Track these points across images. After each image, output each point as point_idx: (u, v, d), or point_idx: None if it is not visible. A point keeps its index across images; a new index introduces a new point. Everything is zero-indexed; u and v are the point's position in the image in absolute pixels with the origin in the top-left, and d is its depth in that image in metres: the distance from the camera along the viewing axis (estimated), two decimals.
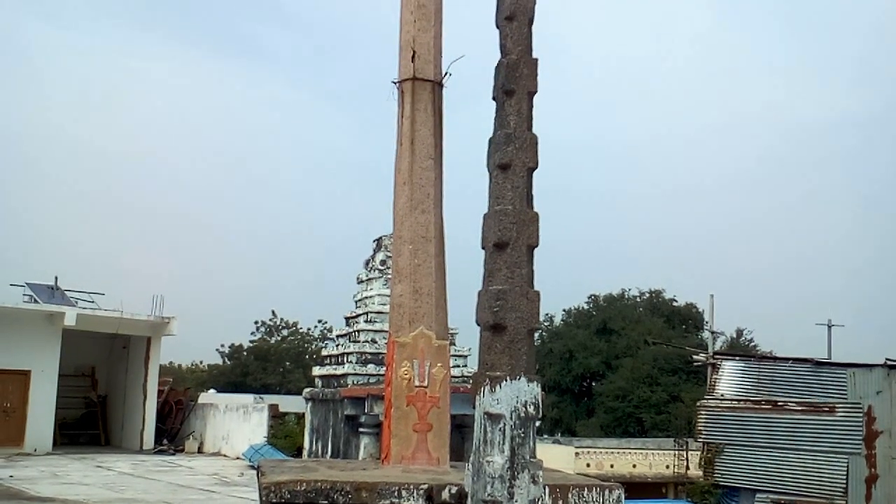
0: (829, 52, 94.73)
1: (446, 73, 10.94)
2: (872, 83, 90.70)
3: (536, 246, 8.42)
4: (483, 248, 8.52)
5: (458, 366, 21.89)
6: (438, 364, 9.99)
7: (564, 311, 57.73)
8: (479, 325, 8.35)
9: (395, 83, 11.00)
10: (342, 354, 22.93)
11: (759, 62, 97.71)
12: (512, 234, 8.03)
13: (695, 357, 29.03)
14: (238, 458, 27.15)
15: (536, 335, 9.20)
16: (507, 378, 7.76)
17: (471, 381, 9.19)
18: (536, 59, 8.81)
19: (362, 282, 23.81)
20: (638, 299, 56.68)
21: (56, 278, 31.92)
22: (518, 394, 7.44)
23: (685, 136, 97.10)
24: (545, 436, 42.19)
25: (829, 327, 36.77)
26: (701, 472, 25.81)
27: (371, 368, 21.87)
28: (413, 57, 10.81)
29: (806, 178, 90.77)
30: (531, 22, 8.99)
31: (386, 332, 12.39)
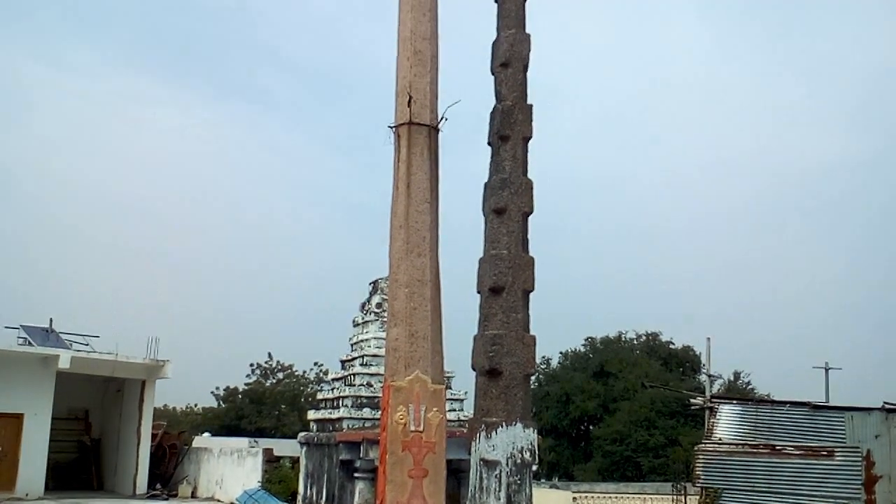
0: (824, 97, 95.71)
1: (442, 118, 11.02)
2: (866, 128, 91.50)
3: (532, 290, 8.41)
4: (479, 292, 8.52)
5: (454, 410, 21.76)
6: (434, 409, 9.92)
7: (561, 353, 57.53)
8: (474, 370, 8.31)
9: (391, 128, 11.07)
10: (337, 398, 22.78)
11: (753, 106, 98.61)
12: (507, 279, 8.04)
13: (692, 401, 28.88)
14: None
15: (533, 378, 9.17)
16: (503, 424, 7.71)
17: (467, 427, 9.12)
18: (531, 105, 8.89)
19: (358, 325, 23.75)
20: (635, 342, 56.55)
21: (51, 320, 31.79)
22: (514, 440, 7.39)
23: (681, 177, 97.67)
24: (542, 480, 41.81)
25: (827, 370, 36.64)
26: None
27: (366, 412, 21.72)
28: (409, 102, 10.89)
29: (800, 219, 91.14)
30: (526, 68, 9.09)
31: (381, 375, 12.33)
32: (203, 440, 37.19)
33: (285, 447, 31.03)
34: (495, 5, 9.76)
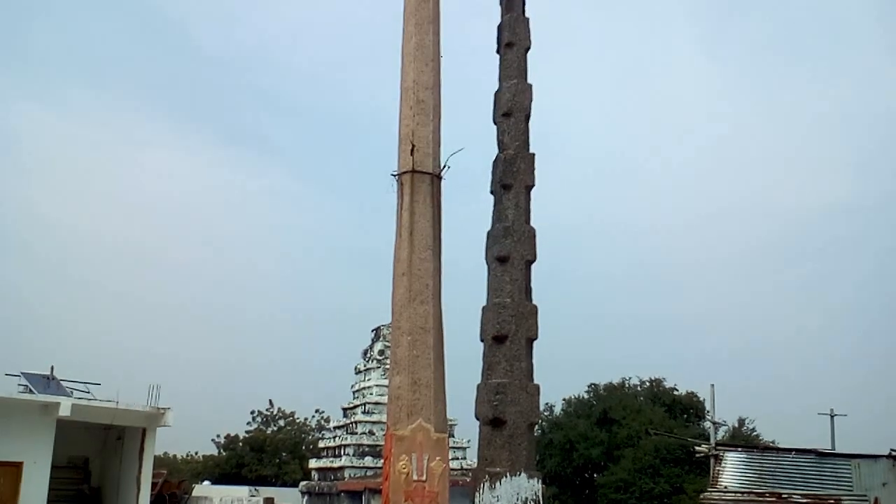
0: (827, 142, 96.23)
1: (445, 166, 11.09)
2: (869, 173, 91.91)
3: (536, 339, 8.39)
4: (482, 340, 8.49)
5: (457, 458, 21.59)
6: (437, 458, 9.83)
7: (564, 400, 57.10)
8: (478, 419, 8.25)
9: (394, 175, 11.14)
10: (339, 447, 22.62)
11: (756, 150, 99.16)
12: (511, 327, 8.02)
13: (697, 448, 28.61)
14: None
15: (535, 426, 9.10)
16: (507, 474, 7.64)
17: (470, 476, 9.05)
18: (533, 154, 8.95)
19: (360, 372, 23.66)
20: (638, 388, 56.19)
21: (52, 368, 31.65)
22: (518, 491, 7.31)
23: (685, 222, 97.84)
24: None
25: (832, 417, 36.32)
26: None
27: (368, 461, 21.55)
28: (412, 150, 10.96)
29: (803, 263, 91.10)
30: (528, 118, 9.17)
31: (384, 423, 12.24)
32: (203, 488, 36.81)
33: (287, 496, 30.69)
34: (497, 56, 9.89)
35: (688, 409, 52.49)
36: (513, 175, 8.77)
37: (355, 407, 22.86)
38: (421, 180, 10.89)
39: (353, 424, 22.51)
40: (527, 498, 7.08)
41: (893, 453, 22.38)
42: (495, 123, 9.33)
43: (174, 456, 58.40)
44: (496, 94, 9.49)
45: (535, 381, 8.24)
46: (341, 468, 21.69)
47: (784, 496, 23.46)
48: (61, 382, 31.30)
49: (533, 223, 8.89)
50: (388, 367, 14.88)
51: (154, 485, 31.74)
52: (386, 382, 18.60)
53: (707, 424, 33.85)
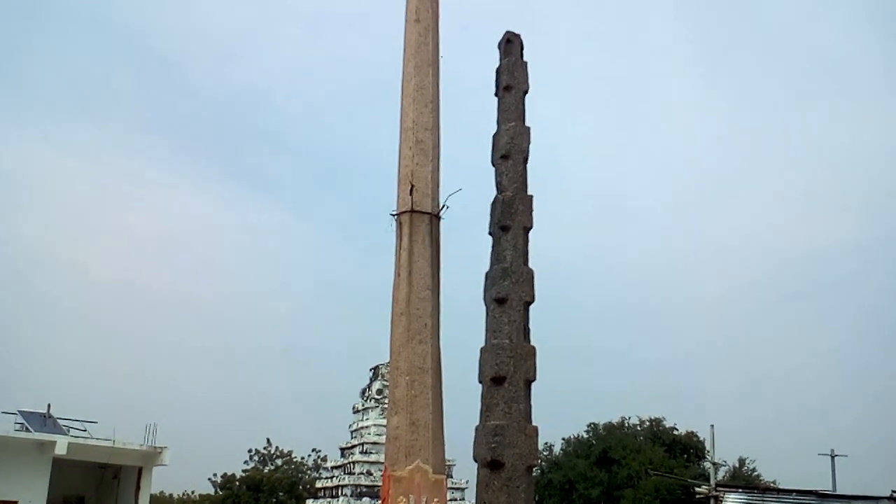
0: (824, 182, 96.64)
1: (444, 206, 11.16)
2: (864, 213, 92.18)
3: (534, 380, 8.37)
4: (480, 381, 8.47)
5: (455, 499, 21.42)
6: (435, 499, 9.78)
7: (564, 440, 56.70)
8: (476, 461, 8.22)
9: (393, 215, 11.20)
10: (337, 487, 22.46)
11: (753, 190, 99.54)
12: (509, 369, 8.01)
13: (697, 489, 28.40)
14: None
15: (535, 468, 9.06)
16: None
17: None
18: (531, 196, 9.02)
19: (358, 411, 23.56)
20: (638, 427, 55.85)
21: (49, 406, 31.47)
22: None
23: (681, 260, 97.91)
24: None
25: (833, 457, 36.10)
26: None
27: (366, 502, 21.38)
28: (411, 190, 11.04)
29: (799, 301, 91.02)
30: (526, 160, 9.25)
31: (382, 463, 12.19)
32: None
33: None
34: (496, 99, 10.00)
35: (688, 449, 52.14)
36: (511, 217, 8.81)
37: (353, 447, 22.73)
38: (420, 220, 10.95)
39: (351, 465, 22.37)
40: None
41: (894, 495, 22.22)
42: (493, 165, 9.40)
43: (171, 495, 57.88)
44: (494, 136, 9.58)
45: (534, 423, 8.22)
46: None
47: None
48: (58, 421, 31.10)
49: (531, 264, 8.92)
50: (386, 406, 14.84)
51: None
52: (384, 422, 18.52)
53: (707, 465, 33.64)
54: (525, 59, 10.09)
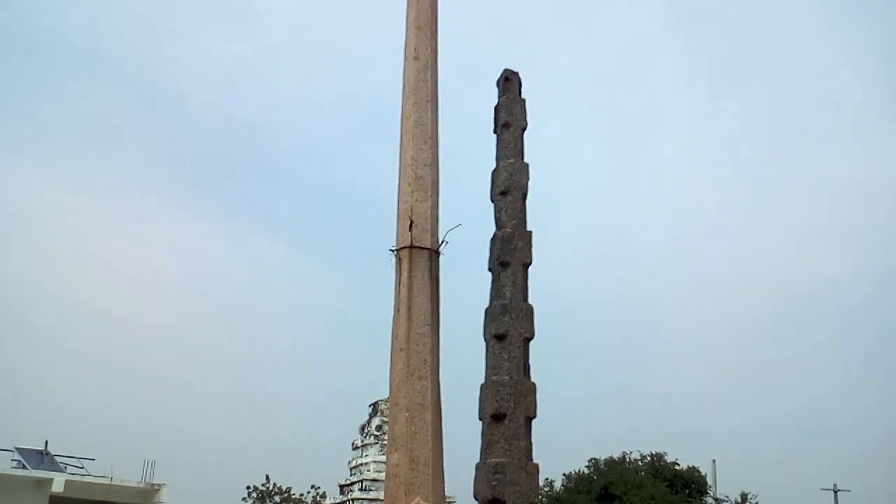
0: (825, 216, 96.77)
1: (443, 242, 11.19)
2: (866, 246, 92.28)
3: (534, 417, 8.35)
4: (480, 418, 8.45)
5: None
6: None
7: (564, 475, 56.26)
8: (476, 499, 8.17)
9: (392, 251, 11.22)
10: None
11: (752, 225, 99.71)
12: (509, 405, 7.99)
13: None
14: None
15: None
16: None
17: None
18: (530, 232, 9.05)
19: (357, 448, 23.45)
20: (640, 462, 55.45)
21: (46, 443, 31.29)
22: None
23: (683, 294, 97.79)
24: None
25: (836, 492, 35.87)
26: None
27: None
28: (411, 226, 11.08)
29: (801, 336, 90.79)
30: (524, 197, 9.30)
31: (381, 501, 12.10)
32: None
33: None
34: (494, 136, 10.06)
35: (690, 485, 51.72)
36: (510, 253, 8.83)
37: (352, 484, 22.59)
38: (419, 256, 10.98)
39: (350, 501, 22.22)
40: None
41: None
42: (493, 202, 9.44)
43: None
44: (493, 173, 9.63)
45: (535, 460, 8.18)
46: None
47: None
48: (55, 458, 30.89)
49: (531, 300, 8.92)
50: (385, 443, 14.77)
51: None
52: (383, 458, 18.38)
53: (710, 500, 33.39)
54: (523, 96, 10.17)
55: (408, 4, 12.45)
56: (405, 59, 12.18)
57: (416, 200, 11.25)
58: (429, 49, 12.14)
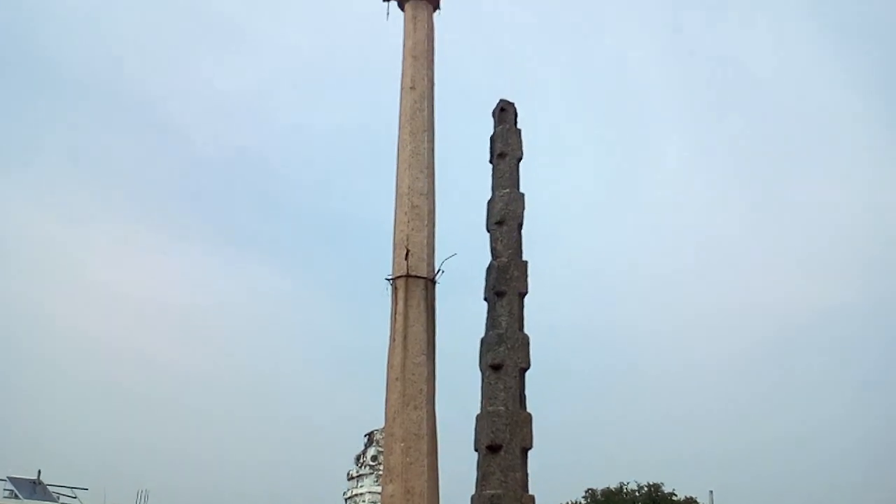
0: (824, 244, 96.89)
1: (439, 271, 11.19)
2: (866, 274, 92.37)
3: (530, 448, 8.29)
4: (476, 449, 8.39)
5: None
6: None
7: None
8: None
9: (388, 280, 11.22)
10: None
11: (748, 253, 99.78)
12: (505, 436, 7.94)
13: None
14: None
15: None
16: None
17: None
18: (526, 262, 9.06)
19: (353, 478, 23.27)
20: (637, 493, 55.09)
21: (39, 472, 31.09)
22: None
23: (680, 324, 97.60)
24: None
25: None
26: None
27: None
28: (407, 255, 11.09)
29: (798, 365, 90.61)
30: (520, 226, 9.31)
31: None
32: None
33: None
34: (490, 165, 10.09)
35: None
36: (506, 282, 8.84)
37: None
38: (415, 285, 10.98)
39: None
40: None
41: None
42: (488, 231, 9.45)
43: None
44: (489, 202, 9.66)
45: (531, 492, 8.12)
46: None
47: None
48: (48, 487, 30.69)
49: (527, 329, 8.90)
50: (381, 473, 14.68)
51: None
52: (379, 489, 18.25)
53: None
54: (519, 126, 10.22)
55: (405, 35, 12.55)
56: (402, 89, 12.25)
57: (413, 230, 11.27)
58: (425, 79, 12.22)
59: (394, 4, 13.03)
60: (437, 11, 12.84)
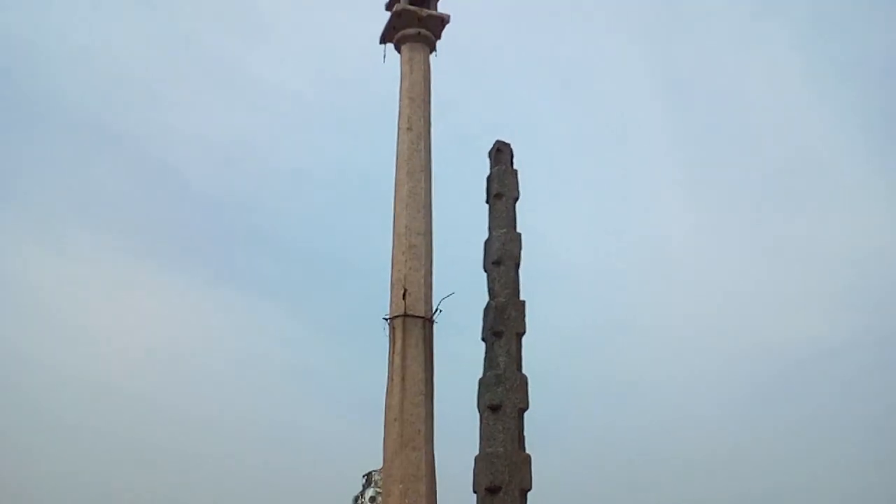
0: (825, 281, 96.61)
1: (437, 310, 11.20)
2: (864, 311, 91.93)
3: (529, 490, 8.24)
4: (475, 491, 8.34)
5: None
6: None
7: None
8: None
9: (386, 319, 11.22)
10: None
11: (747, 295, 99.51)
12: (504, 478, 7.89)
13: None
14: None
15: None
16: None
17: None
18: (524, 302, 9.08)
19: None
20: None
21: None
22: None
23: (678, 370, 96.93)
24: None
25: None
26: None
27: None
28: (404, 294, 11.11)
29: (806, 403, 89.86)
30: (518, 266, 9.35)
31: None
32: None
33: None
34: (487, 206, 10.13)
35: None
36: (504, 322, 8.84)
37: None
38: (413, 324, 10.98)
39: None
40: None
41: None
42: (486, 271, 9.47)
43: None
44: (486, 242, 9.69)
45: None
46: None
47: None
48: None
49: (525, 370, 8.89)
50: None
51: None
52: None
53: None
54: (515, 166, 10.28)
55: (401, 77, 12.69)
56: (398, 129, 12.36)
57: (410, 269, 11.31)
58: (422, 120, 12.33)
59: (390, 47, 13.20)
60: (434, 53, 13.01)
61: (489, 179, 10.22)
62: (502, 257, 9.21)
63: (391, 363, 10.92)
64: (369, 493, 22.29)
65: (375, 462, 21.36)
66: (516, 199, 9.99)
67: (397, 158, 12.19)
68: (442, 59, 13.07)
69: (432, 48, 12.99)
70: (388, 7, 13.15)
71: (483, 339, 9.11)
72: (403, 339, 10.90)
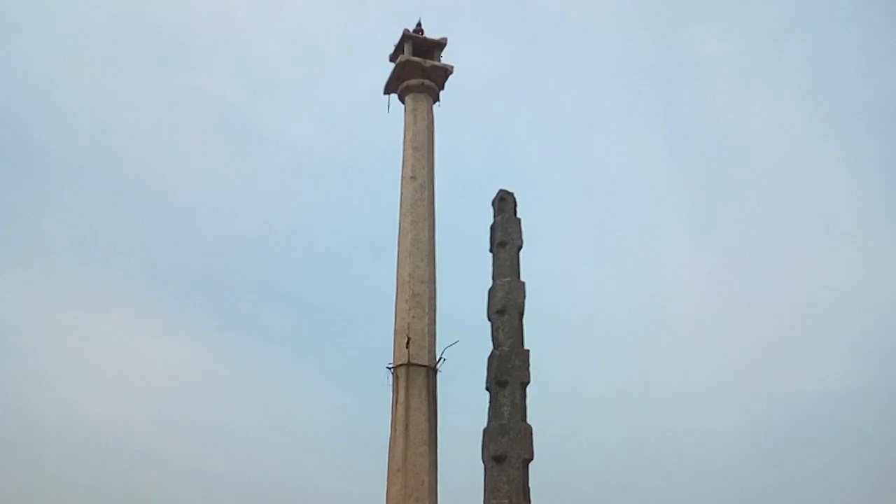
0: (829, 328, 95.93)
1: (440, 359, 11.13)
2: (871, 358, 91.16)
3: None
4: None
5: None
6: None
7: None
8: None
9: (389, 368, 11.16)
10: None
11: (751, 340, 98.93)
12: None
13: None
14: None
15: None
16: None
17: None
18: (528, 351, 9.04)
19: None
20: None
21: None
22: None
23: (695, 419, 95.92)
24: None
25: None
26: None
27: None
28: (408, 343, 11.06)
29: (821, 451, 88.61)
30: (521, 315, 9.33)
31: None
32: None
33: None
34: (490, 254, 10.14)
35: None
36: (508, 372, 8.79)
37: None
38: (416, 373, 10.92)
39: None
40: None
41: None
42: (489, 320, 9.44)
43: None
44: (490, 291, 9.69)
45: None
46: None
47: None
48: None
49: (529, 420, 8.82)
50: None
51: None
52: None
53: None
54: (519, 215, 10.31)
55: (405, 127, 12.79)
56: (402, 178, 12.42)
57: (414, 317, 11.28)
58: (426, 169, 12.39)
59: (394, 97, 13.33)
60: (437, 103, 13.12)
61: (493, 228, 10.24)
62: (506, 306, 9.20)
63: (394, 412, 10.83)
64: None
65: None
66: (520, 247, 10.01)
67: (401, 207, 12.24)
68: (445, 109, 13.21)
69: (436, 98, 13.11)
70: (393, 58, 13.31)
71: (487, 389, 9.06)
72: (407, 388, 10.83)
